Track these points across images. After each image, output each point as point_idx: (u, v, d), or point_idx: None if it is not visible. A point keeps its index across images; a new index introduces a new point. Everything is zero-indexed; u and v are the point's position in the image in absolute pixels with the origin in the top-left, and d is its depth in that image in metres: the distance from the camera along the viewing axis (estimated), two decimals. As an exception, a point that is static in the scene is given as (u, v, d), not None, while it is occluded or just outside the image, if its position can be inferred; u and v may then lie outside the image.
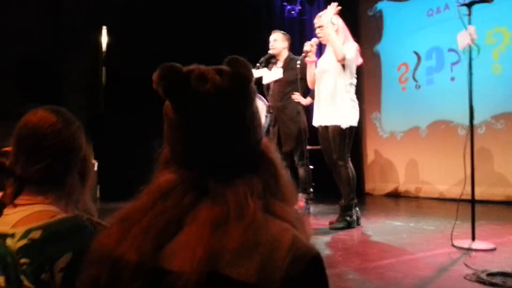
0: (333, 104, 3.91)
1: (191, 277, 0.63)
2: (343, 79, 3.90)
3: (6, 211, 1.04)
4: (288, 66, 4.63)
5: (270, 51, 4.67)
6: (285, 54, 4.67)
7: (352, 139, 3.98)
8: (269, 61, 4.78)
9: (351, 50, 3.92)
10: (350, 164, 3.97)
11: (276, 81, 4.67)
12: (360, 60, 4.07)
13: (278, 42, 4.65)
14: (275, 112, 4.64)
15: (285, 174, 0.80)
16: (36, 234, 0.96)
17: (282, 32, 4.73)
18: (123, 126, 5.87)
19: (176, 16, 6.22)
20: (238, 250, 0.65)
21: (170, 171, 0.76)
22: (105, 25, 6.23)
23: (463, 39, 3.18)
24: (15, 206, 1.04)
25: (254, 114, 0.78)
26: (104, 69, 6.30)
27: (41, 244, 0.95)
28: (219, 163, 0.74)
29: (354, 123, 3.94)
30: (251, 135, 0.76)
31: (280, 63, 4.69)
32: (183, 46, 5.53)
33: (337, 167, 3.96)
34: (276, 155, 0.81)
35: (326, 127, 4.01)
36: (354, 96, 3.98)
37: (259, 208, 0.70)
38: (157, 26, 6.13)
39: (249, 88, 0.76)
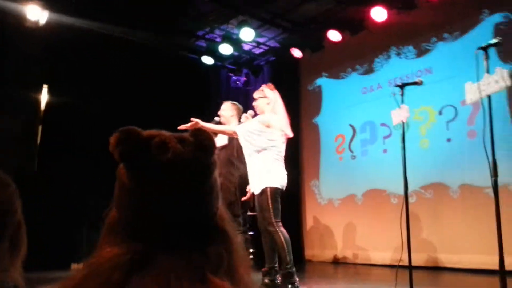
0: (253, 173, 4.02)
1: None
2: (257, 150, 3.98)
3: None
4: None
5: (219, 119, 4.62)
6: (234, 123, 4.56)
7: (277, 203, 3.90)
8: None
9: (244, 125, 4.04)
10: (282, 229, 3.89)
11: (222, 148, 4.64)
12: (290, 134, 4.11)
13: (224, 111, 4.64)
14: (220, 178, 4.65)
15: (239, 247, 0.79)
16: None
17: (231, 102, 4.74)
18: (55, 185, 5.71)
19: (121, 81, 6.28)
20: None
21: (115, 242, 0.71)
22: (46, 83, 6.17)
23: (397, 116, 3.50)
24: None
25: (212, 186, 0.76)
26: (40, 127, 6.16)
27: None
28: (170, 234, 0.70)
29: (271, 185, 3.88)
30: (206, 207, 0.74)
31: None
32: (128, 110, 5.58)
33: (270, 234, 3.90)
34: (231, 228, 0.79)
35: (256, 195, 4.08)
36: (270, 162, 3.95)
37: (210, 282, 0.67)
38: (98, 88, 6.15)
39: (210, 160, 0.75)
